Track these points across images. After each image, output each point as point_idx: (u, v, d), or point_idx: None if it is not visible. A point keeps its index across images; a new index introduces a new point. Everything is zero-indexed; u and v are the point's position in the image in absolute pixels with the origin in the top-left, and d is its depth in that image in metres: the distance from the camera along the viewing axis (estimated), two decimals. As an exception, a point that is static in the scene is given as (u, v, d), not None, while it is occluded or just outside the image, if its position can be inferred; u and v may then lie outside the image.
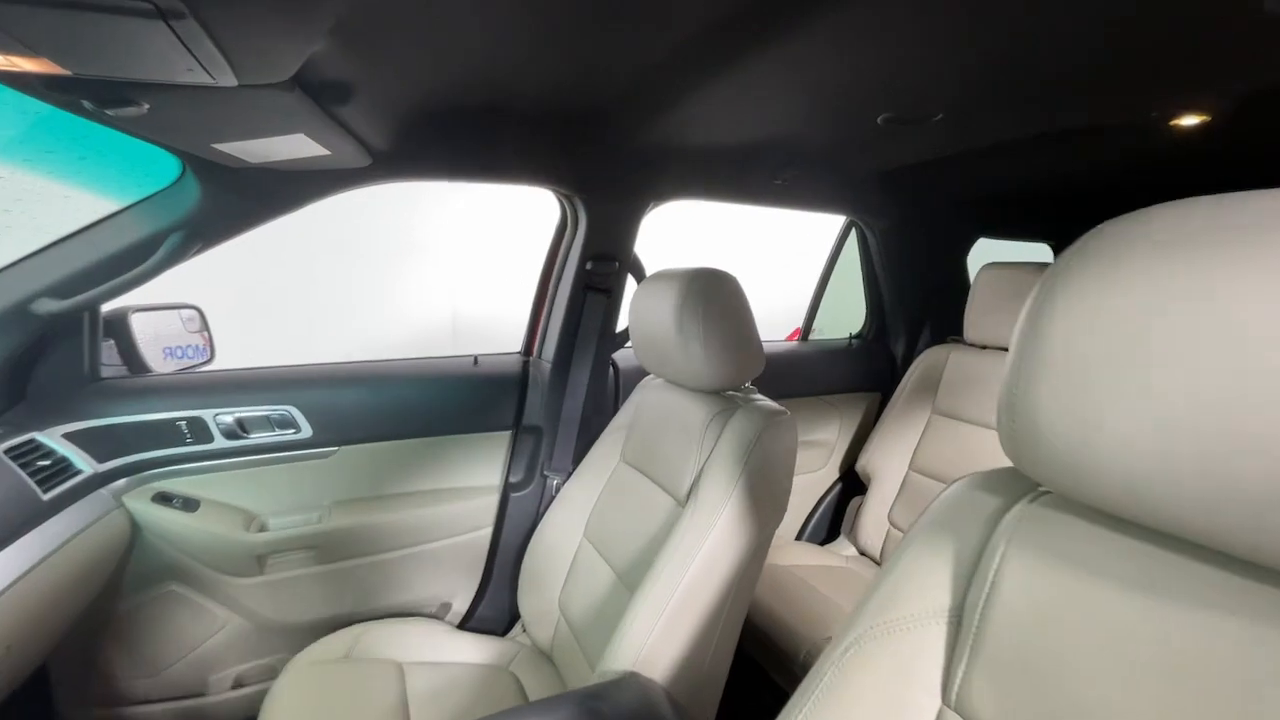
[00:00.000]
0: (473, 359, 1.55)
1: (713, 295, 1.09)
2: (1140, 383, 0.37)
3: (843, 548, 1.86)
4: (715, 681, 1.02)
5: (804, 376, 1.99)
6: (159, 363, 1.46)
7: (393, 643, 1.27)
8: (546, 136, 1.28)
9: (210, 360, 1.56)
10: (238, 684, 1.37)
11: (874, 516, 1.79)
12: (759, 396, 1.16)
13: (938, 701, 0.51)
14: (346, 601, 1.41)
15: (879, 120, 1.21)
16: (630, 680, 0.90)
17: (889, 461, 1.81)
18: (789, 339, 2.14)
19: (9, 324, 1.06)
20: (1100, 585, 0.44)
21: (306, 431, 1.37)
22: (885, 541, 1.75)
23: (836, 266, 2.09)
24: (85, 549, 1.09)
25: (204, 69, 0.56)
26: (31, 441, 1.09)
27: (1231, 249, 0.35)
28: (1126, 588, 0.43)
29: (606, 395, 1.63)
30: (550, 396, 1.55)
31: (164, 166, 1.10)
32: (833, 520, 2.02)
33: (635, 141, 1.35)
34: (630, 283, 1.57)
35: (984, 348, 1.72)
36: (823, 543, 1.93)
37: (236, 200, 1.12)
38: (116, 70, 0.56)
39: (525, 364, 1.60)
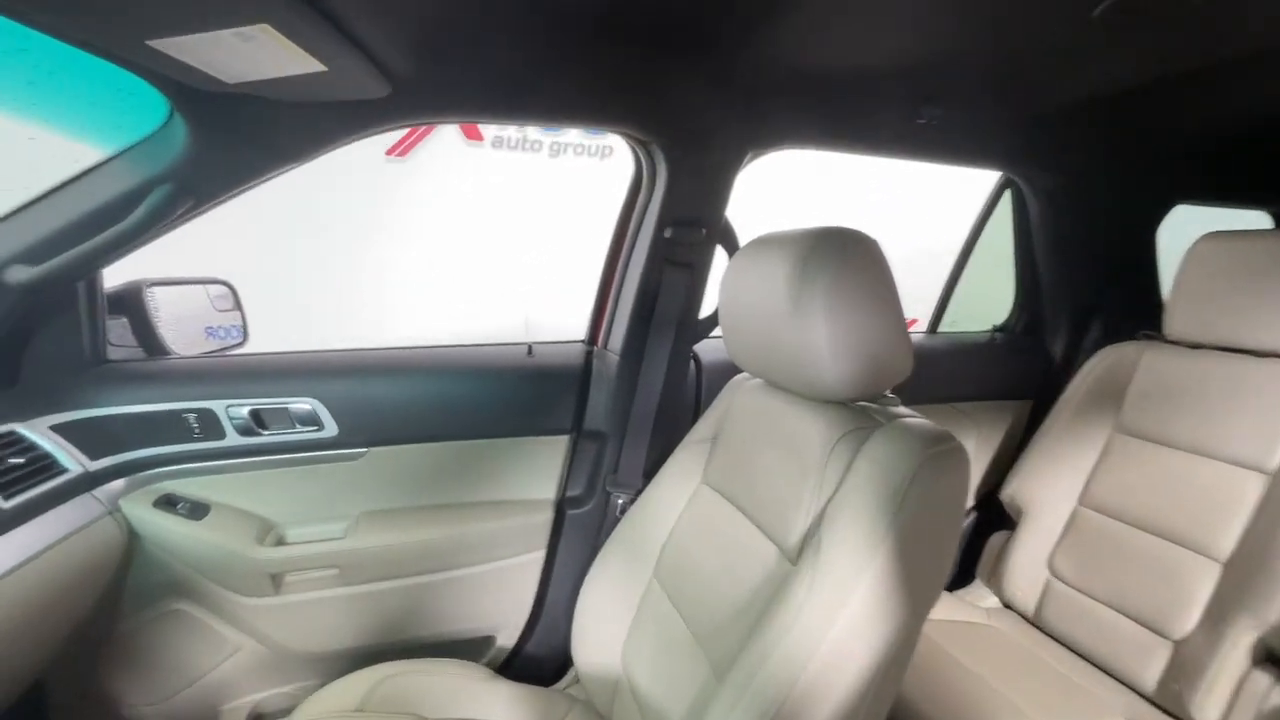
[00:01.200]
0: (526, 347, 1.29)
1: (843, 266, 0.76)
2: None
3: (980, 596, 1.47)
4: None
5: (930, 378, 1.59)
6: (196, 343, 1.30)
7: (417, 690, 1.03)
8: (616, 61, 0.99)
9: (243, 343, 1.39)
10: (255, 716, 1.19)
11: (1027, 561, 1.39)
12: (905, 411, 0.82)
13: None
14: (373, 631, 1.19)
15: (1095, 12, 0.82)
16: None
17: (1049, 491, 1.40)
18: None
19: (-21, 294, 0.90)
20: None
21: (331, 429, 1.15)
22: (1044, 596, 1.35)
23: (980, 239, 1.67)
24: (70, 559, 0.92)
25: None
26: (10, 434, 0.92)
27: None
28: None
29: (686, 396, 1.33)
30: (617, 395, 1.27)
31: (152, 107, 0.90)
32: (964, 559, 1.62)
33: (732, 70, 1.04)
34: (720, 256, 1.26)
35: (1196, 346, 1.28)
36: (951, 587, 1.55)
37: (229, 145, 0.90)
38: None
39: (588, 355, 1.32)
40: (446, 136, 3.75)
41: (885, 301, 0.78)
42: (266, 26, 0.61)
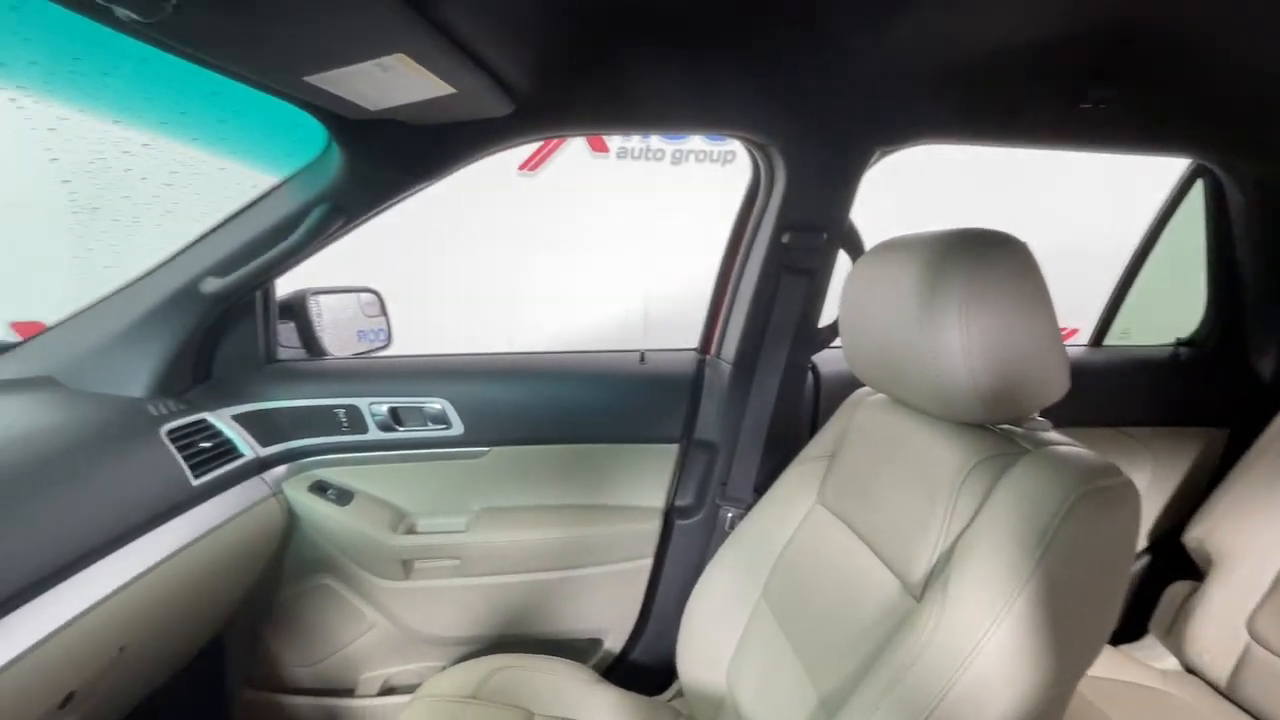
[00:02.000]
0: (639, 355, 1.30)
1: (982, 271, 0.68)
2: None
3: (1155, 655, 1.26)
4: None
5: (1094, 398, 1.39)
6: (348, 345, 1.45)
7: (527, 685, 1.07)
8: (730, 65, 0.96)
9: (388, 345, 1.52)
10: (386, 689, 1.30)
11: (1219, 620, 1.17)
12: (1058, 437, 0.72)
13: None
14: (488, 622, 1.25)
15: None
16: None
17: (1251, 539, 1.17)
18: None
19: (183, 304, 1.06)
20: None
21: (458, 428, 1.23)
22: (1240, 663, 1.13)
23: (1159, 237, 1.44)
24: (243, 533, 1.06)
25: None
26: (201, 422, 1.08)
27: None
28: None
29: (803, 409, 1.27)
30: (729, 406, 1.23)
31: (314, 138, 1.01)
32: (1132, 609, 1.39)
33: (857, 64, 0.97)
34: (843, 261, 1.18)
35: None
36: (1114, 639, 1.34)
37: (374, 165, 0.99)
38: None
39: (701, 364, 1.30)
40: (573, 150, 3.91)
41: (1034, 312, 0.68)
42: (402, 56, 0.66)
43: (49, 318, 1.09)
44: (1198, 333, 1.48)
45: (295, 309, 1.34)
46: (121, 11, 0.52)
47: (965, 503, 0.68)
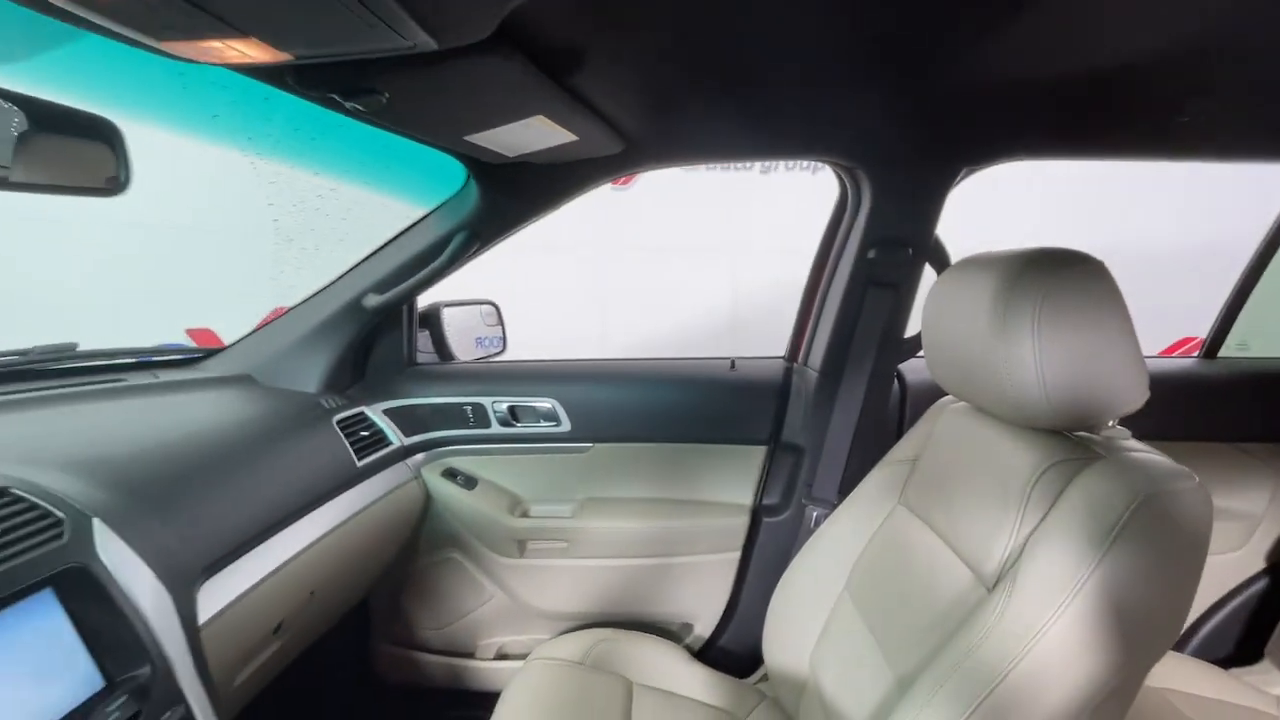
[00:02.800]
0: (729, 362, 1.40)
1: (1057, 286, 0.73)
2: None
3: (1270, 681, 1.21)
4: None
5: (1208, 412, 1.35)
6: (469, 350, 1.66)
7: (627, 657, 1.20)
8: (820, 96, 1.04)
9: (503, 350, 1.72)
10: (500, 654, 1.47)
11: (1344, 647, 1.11)
12: (1136, 445, 0.76)
13: None
14: (592, 599, 1.40)
15: None
16: None
17: (1383, 563, 1.10)
18: (1167, 352, 1.48)
19: (348, 317, 1.28)
20: None
21: (566, 425, 1.39)
22: (1368, 694, 1.07)
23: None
24: (391, 509, 1.26)
25: (394, 30, 0.51)
26: (361, 414, 1.29)
27: None
28: None
29: (888, 416, 1.32)
30: (815, 411, 1.31)
31: (456, 174, 1.20)
32: (1247, 632, 1.33)
33: (944, 88, 1.02)
34: (929, 275, 1.23)
35: None
36: (1226, 662, 1.29)
37: (506, 199, 1.16)
38: (322, 45, 0.55)
39: (788, 371, 1.38)
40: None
41: (1108, 325, 0.73)
42: (541, 117, 0.81)
43: (243, 325, 1.34)
44: (1329, 345, 1.39)
45: (430, 319, 1.55)
46: (350, 105, 0.70)
47: (1037, 503, 0.74)
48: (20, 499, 0.66)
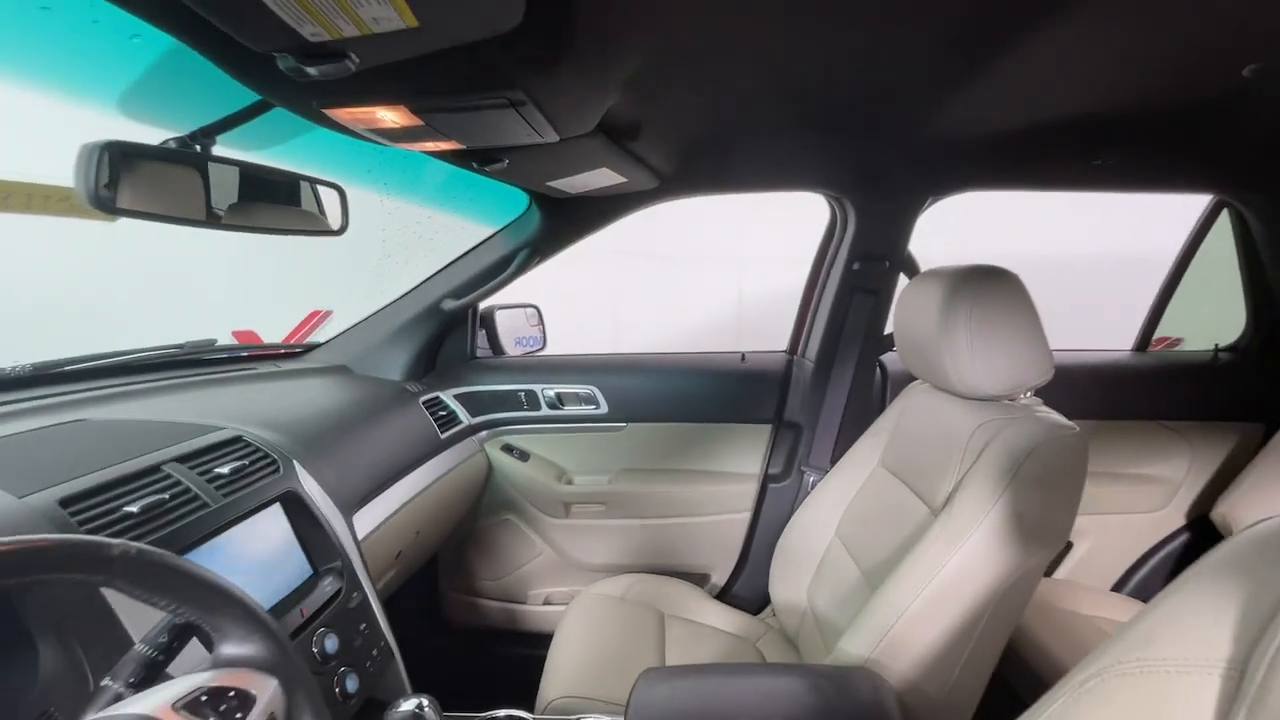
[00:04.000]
0: (740, 355, 1.68)
1: (983, 294, 1.01)
2: None
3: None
4: (962, 703, 0.96)
5: (1140, 395, 1.63)
6: (512, 347, 1.93)
7: (659, 595, 1.47)
8: (819, 141, 1.31)
9: (543, 347, 1.99)
10: (548, 601, 1.75)
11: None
12: (1044, 409, 1.03)
13: None
14: (627, 553, 1.67)
15: (1244, 73, 0.95)
16: (863, 672, 0.92)
17: (1269, 511, 1.37)
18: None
19: (428, 317, 1.56)
20: None
21: (604, 408, 1.66)
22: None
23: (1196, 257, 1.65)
24: (462, 477, 1.54)
25: (537, 132, 0.79)
26: (437, 398, 1.57)
27: None
28: None
29: (871, 397, 1.60)
30: (811, 395, 1.59)
31: (518, 201, 1.48)
32: (1169, 576, 1.60)
33: (911, 134, 1.29)
34: (904, 283, 1.51)
35: None
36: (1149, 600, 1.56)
37: (562, 223, 1.44)
38: (488, 141, 0.83)
39: (789, 362, 1.66)
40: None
41: (1020, 322, 1.00)
42: (605, 169, 1.09)
43: (282, 326, 1.63)
44: (1239, 340, 1.67)
45: (486, 320, 1.83)
46: (479, 167, 0.98)
47: (972, 449, 1.01)
48: (249, 445, 0.94)
